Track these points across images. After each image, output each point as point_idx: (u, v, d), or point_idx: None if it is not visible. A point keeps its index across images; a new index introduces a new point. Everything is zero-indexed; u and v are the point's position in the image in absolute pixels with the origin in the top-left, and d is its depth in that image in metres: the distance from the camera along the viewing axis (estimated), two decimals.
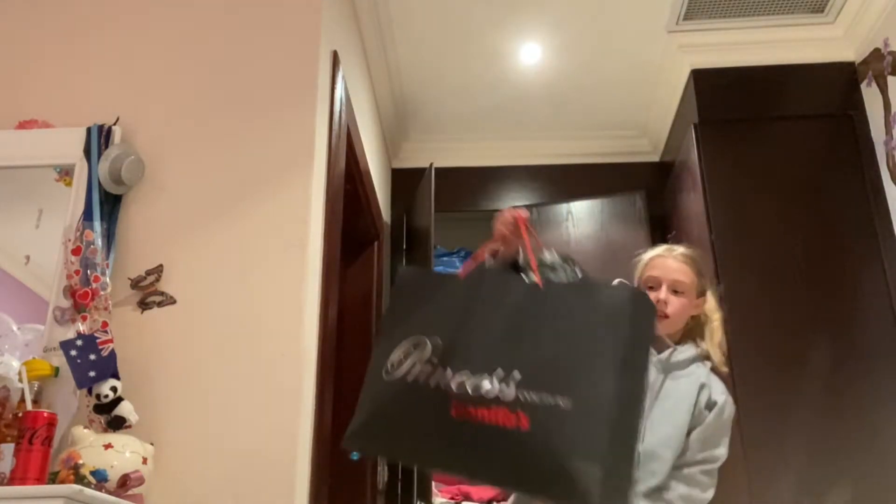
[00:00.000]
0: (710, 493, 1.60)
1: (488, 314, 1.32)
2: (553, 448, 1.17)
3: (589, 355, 1.24)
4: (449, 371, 1.27)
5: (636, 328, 1.27)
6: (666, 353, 1.70)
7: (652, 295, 1.71)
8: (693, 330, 1.77)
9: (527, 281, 1.38)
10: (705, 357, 1.73)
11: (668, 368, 1.68)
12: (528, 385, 1.22)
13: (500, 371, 1.24)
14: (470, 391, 1.24)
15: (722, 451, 1.64)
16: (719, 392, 1.67)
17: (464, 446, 1.25)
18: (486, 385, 1.23)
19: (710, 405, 1.64)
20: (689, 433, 1.62)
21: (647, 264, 1.80)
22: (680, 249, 1.80)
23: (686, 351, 1.71)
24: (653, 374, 1.65)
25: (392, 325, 1.41)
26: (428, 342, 1.31)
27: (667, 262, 1.77)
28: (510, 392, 1.22)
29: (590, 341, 1.25)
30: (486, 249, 1.50)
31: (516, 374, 1.23)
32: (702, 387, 1.66)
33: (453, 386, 1.25)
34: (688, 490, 1.58)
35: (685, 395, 1.65)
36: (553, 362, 1.24)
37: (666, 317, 1.71)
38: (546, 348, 1.26)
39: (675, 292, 1.73)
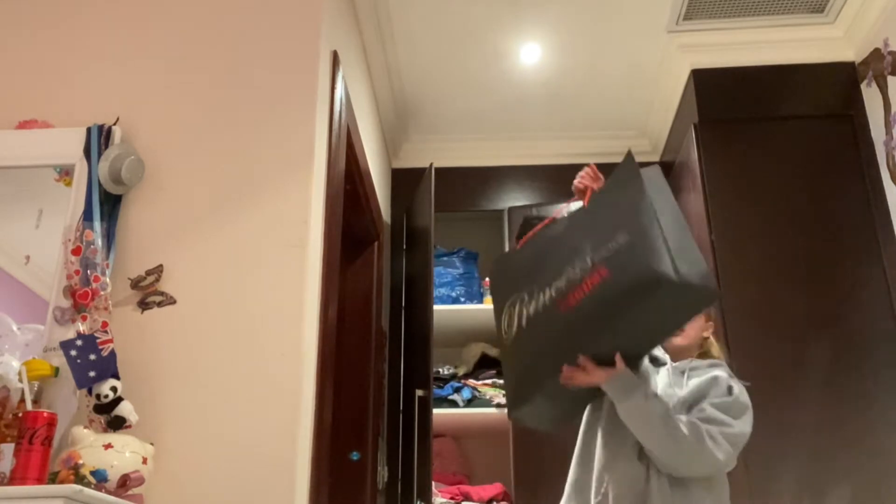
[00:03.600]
0: (720, 455, 1.70)
1: (555, 243, 1.70)
2: (633, 270, 1.52)
3: (628, 206, 1.61)
4: (546, 290, 1.61)
5: (653, 179, 1.69)
6: (685, 362, 1.90)
7: None
8: (707, 355, 1.97)
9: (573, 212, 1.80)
10: (722, 366, 1.91)
11: (686, 372, 1.87)
12: (595, 250, 1.58)
13: (575, 260, 1.60)
14: (564, 287, 1.59)
15: (740, 426, 1.74)
16: (736, 382, 1.84)
17: (581, 324, 1.57)
18: (570, 273, 1.59)
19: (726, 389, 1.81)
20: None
21: None
22: None
23: (704, 362, 1.91)
24: (666, 379, 1.86)
25: (497, 308, 1.77)
26: (522, 293, 1.64)
27: None
28: (587, 263, 1.58)
29: (626, 199, 1.63)
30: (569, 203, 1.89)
31: (587, 250, 1.59)
32: (715, 378, 1.82)
33: (552, 294, 1.60)
34: (703, 426, 1.71)
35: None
36: (607, 226, 1.61)
37: (682, 330, 1.91)
38: (600, 224, 1.64)
39: None
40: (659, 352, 1.94)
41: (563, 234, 1.72)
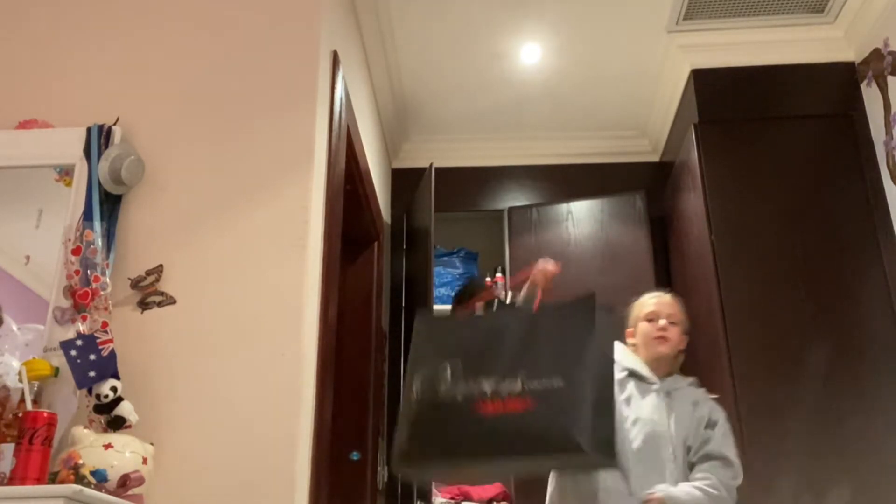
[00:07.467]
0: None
1: (496, 337, 1.74)
2: (551, 417, 1.61)
3: (573, 350, 1.68)
4: (471, 383, 1.67)
5: (603, 330, 1.76)
6: (669, 382, 2.14)
7: (654, 325, 2.17)
8: (676, 368, 2.20)
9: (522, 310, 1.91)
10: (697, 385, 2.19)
11: (672, 393, 2.11)
12: (531, 377, 1.64)
13: (509, 373, 1.66)
14: (489, 393, 1.65)
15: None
16: (716, 408, 2.12)
17: (489, 436, 1.63)
18: (497, 383, 1.65)
19: (712, 422, 2.08)
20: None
21: (646, 303, 2.24)
22: (669, 294, 2.27)
23: (684, 381, 2.18)
24: (654, 402, 2.09)
25: (414, 364, 1.79)
26: (447, 366, 1.71)
27: (662, 300, 2.23)
28: (518, 385, 1.64)
29: (573, 341, 1.70)
30: (516, 286, 1.97)
31: (522, 372, 1.65)
32: (696, 403, 2.10)
33: (476, 393, 1.66)
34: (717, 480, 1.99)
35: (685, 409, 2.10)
36: (548, 359, 1.68)
37: (667, 340, 2.14)
38: (542, 351, 1.69)
39: (672, 323, 2.17)
40: (645, 370, 2.14)
41: (504, 335, 1.76)
